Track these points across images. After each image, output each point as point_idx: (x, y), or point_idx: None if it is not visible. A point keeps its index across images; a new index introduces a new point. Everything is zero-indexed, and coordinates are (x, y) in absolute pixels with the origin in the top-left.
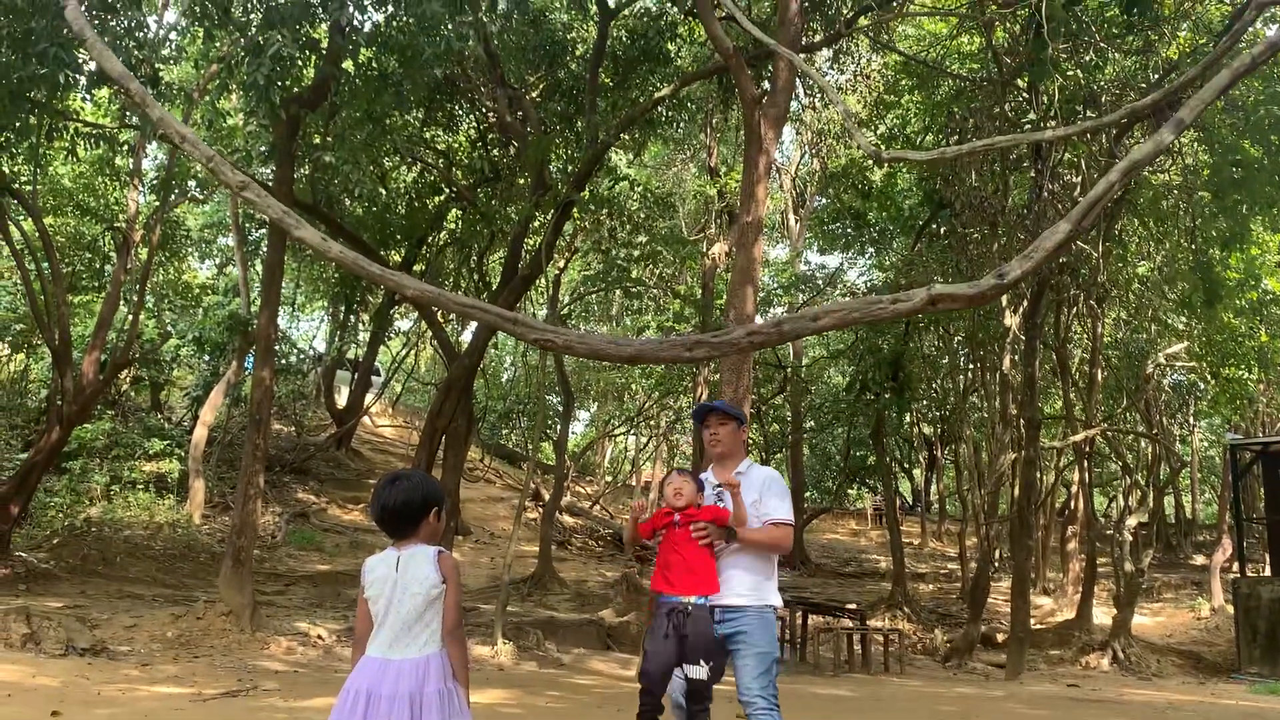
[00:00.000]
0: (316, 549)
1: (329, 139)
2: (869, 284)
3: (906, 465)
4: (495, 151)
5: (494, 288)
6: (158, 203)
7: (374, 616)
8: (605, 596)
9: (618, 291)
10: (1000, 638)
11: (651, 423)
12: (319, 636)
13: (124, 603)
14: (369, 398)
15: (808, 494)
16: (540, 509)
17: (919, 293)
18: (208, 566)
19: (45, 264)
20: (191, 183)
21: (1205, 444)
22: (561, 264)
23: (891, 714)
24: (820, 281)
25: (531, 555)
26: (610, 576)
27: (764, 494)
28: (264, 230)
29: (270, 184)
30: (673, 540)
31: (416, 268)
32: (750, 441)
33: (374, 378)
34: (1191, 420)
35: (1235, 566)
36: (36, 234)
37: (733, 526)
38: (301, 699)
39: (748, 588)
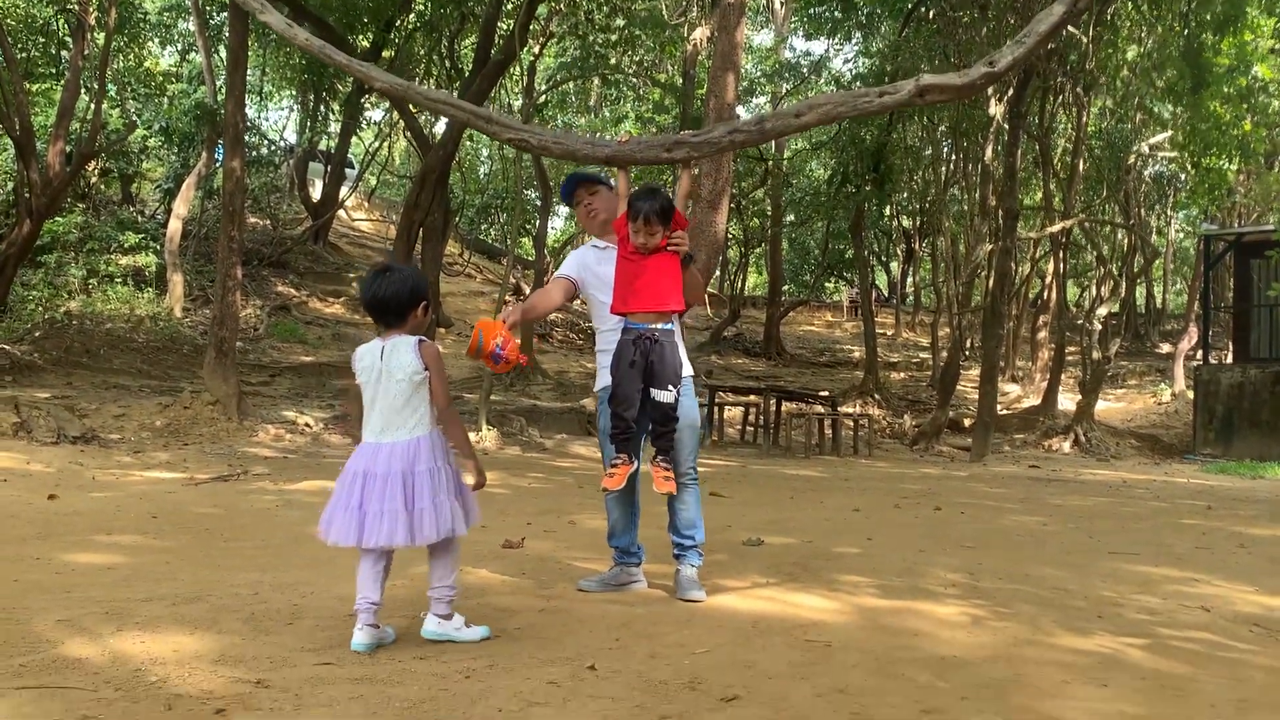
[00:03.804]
0: (299, 341)
1: None
2: (854, 72)
3: (884, 258)
4: None
5: (466, 75)
6: None
7: (365, 402)
8: (585, 386)
9: (595, 80)
10: (967, 423)
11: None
12: (306, 424)
13: (111, 393)
14: (343, 190)
15: (785, 287)
16: (521, 301)
17: (907, 84)
18: (191, 358)
19: None
20: None
21: (1181, 235)
22: (536, 50)
23: (857, 494)
24: (804, 69)
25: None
26: (590, 368)
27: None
28: (225, 14)
29: None
30: (637, 258)
31: (385, 54)
32: (730, 235)
33: (348, 170)
34: (1169, 211)
35: (1199, 354)
36: None
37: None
38: (291, 482)
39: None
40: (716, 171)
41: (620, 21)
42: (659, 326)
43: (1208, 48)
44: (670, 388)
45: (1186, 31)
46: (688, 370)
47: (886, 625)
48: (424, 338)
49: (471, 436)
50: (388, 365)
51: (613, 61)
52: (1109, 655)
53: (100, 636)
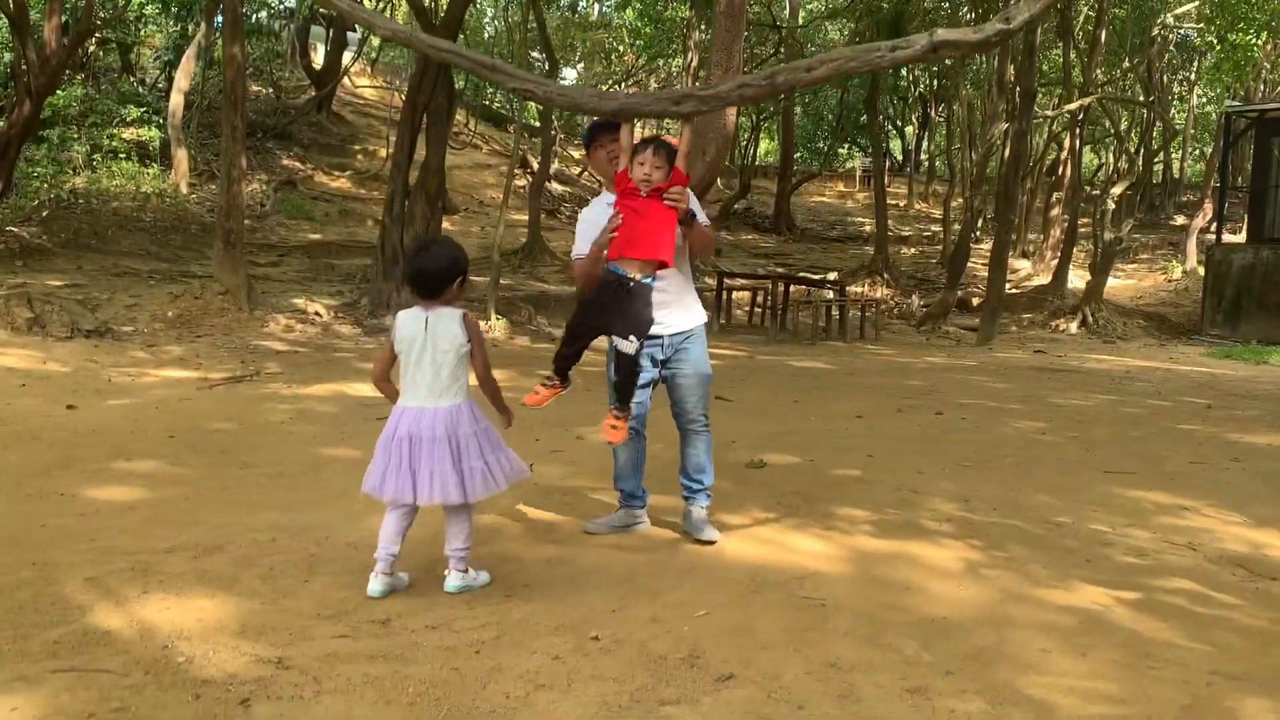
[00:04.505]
0: (306, 218)
1: None
2: None
3: (899, 123)
4: None
5: None
6: None
7: (404, 368)
8: None
9: None
10: (975, 302)
11: (640, 85)
12: (316, 313)
13: (121, 281)
14: (346, 57)
15: (797, 155)
16: (529, 176)
17: (920, 39)
18: (200, 238)
19: None
20: None
21: (1203, 100)
22: None
23: (861, 394)
24: None
25: (521, 225)
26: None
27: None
28: None
29: None
30: (637, 206)
31: None
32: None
33: (350, 35)
34: (1192, 78)
35: (1214, 228)
36: None
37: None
38: (303, 385)
39: (685, 309)
40: (728, 60)
41: None
42: (638, 277)
43: None
44: (633, 339)
45: None
46: (700, 319)
47: (880, 576)
48: (467, 310)
49: (480, 325)
50: (433, 335)
51: None
52: (1093, 614)
53: (127, 600)
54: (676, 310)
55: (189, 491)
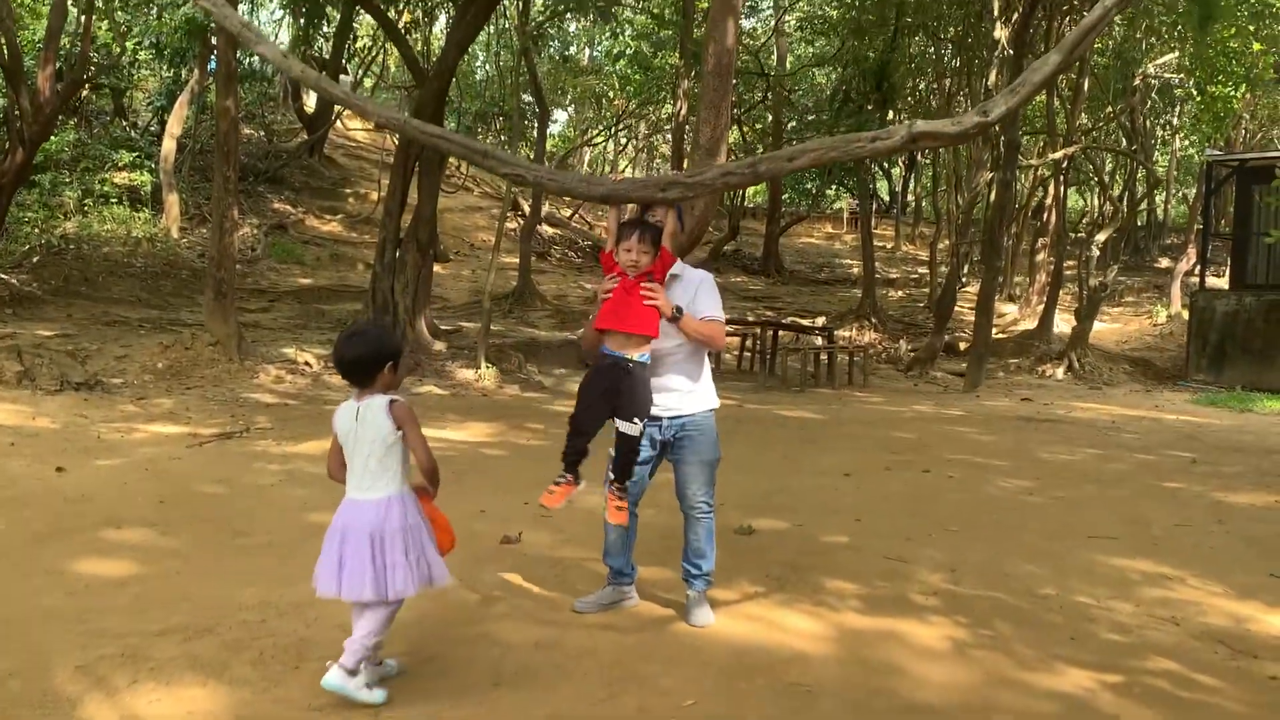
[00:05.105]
0: (297, 262)
1: None
2: None
3: (885, 165)
4: None
5: (459, 3)
6: None
7: (346, 459)
8: (585, 312)
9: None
10: (963, 346)
11: (630, 129)
12: (306, 363)
13: (112, 330)
14: None
15: (785, 196)
16: (519, 219)
17: (899, 129)
18: (190, 284)
19: None
20: None
21: (1186, 143)
22: None
23: (850, 447)
24: None
25: (511, 268)
26: (589, 289)
27: (698, 293)
28: None
29: None
30: (626, 284)
31: None
32: (730, 149)
33: (343, 76)
34: (1174, 122)
35: (1198, 270)
36: None
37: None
38: (294, 442)
39: (688, 394)
40: (716, 118)
41: None
42: (634, 357)
43: None
44: (636, 420)
45: None
46: (707, 404)
47: (867, 658)
48: (396, 398)
49: (471, 375)
50: (361, 427)
51: None
52: (1076, 700)
53: (117, 691)
54: (678, 394)
55: (179, 565)
